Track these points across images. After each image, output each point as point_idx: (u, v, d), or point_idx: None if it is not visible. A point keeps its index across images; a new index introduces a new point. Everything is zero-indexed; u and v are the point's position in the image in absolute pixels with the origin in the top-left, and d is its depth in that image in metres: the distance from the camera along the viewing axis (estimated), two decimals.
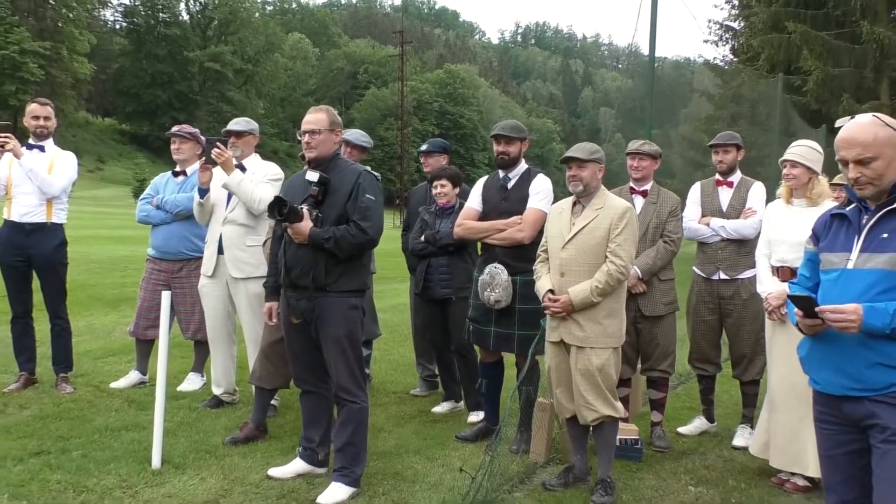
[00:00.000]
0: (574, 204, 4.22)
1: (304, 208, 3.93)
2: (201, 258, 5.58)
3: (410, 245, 5.56)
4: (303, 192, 4.02)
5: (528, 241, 4.66)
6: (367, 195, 3.94)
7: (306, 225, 3.89)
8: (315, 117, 4.04)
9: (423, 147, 6.04)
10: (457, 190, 5.49)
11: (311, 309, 3.95)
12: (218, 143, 5.15)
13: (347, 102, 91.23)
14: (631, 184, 5.17)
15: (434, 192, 5.50)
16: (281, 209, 3.85)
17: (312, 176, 3.98)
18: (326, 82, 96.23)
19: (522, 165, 4.90)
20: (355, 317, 3.99)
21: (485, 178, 5.09)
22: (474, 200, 4.95)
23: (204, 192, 5.33)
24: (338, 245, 3.87)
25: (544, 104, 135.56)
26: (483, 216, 4.88)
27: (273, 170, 5.41)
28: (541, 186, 4.78)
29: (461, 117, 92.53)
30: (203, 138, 5.72)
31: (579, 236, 4.09)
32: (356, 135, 6.00)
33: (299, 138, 4.08)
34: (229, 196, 5.32)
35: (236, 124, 5.46)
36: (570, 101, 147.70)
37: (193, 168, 5.87)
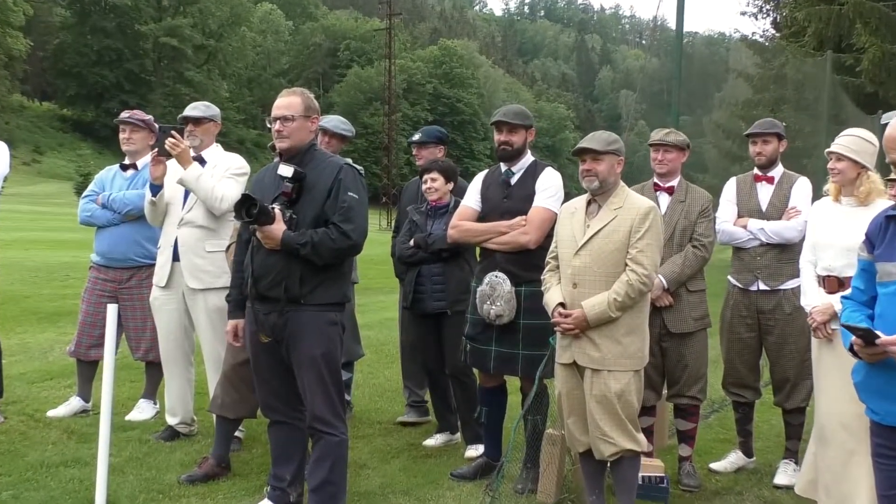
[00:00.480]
0: (589, 203, 4.25)
1: (276, 208, 3.96)
2: (153, 266, 5.60)
3: (398, 250, 5.60)
4: (274, 190, 4.04)
5: (534, 246, 4.69)
6: (350, 193, 3.97)
7: (278, 227, 3.92)
8: (287, 101, 4.08)
9: (415, 137, 6.09)
10: (450, 185, 5.53)
11: (283, 325, 3.97)
12: (173, 132, 5.17)
13: (326, 84, 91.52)
14: (655, 179, 5.20)
15: (423, 187, 5.54)
16: (249, 209, 3.86)
17: (285, 170, 4.00)
18: (301, 61, 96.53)
19: (528, 158, 4.93)
20: (334, 334, 4.01)
21: (484, 172, 5.12)
22: (472, 198, 4.98)
23: (157, 188, 5.34)
24: (315, 251, 3.89)
25: (555, 86, 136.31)
26: (482, 216, 4.90)
27: (238, 163, 5.44)
28: (549, 182, 4.81)
29: (459, 101, 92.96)
30: (157, 126, 5.73)
31: (595, 241, 4.12)
32: (336, 122, 6.03)
33: (269, 126, 4.11)
34: (186, 193, 5.34)
35: (195, 109, 5.48)
36: (585, 83, 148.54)
37: (145, 161, 5.88)
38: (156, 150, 5.26)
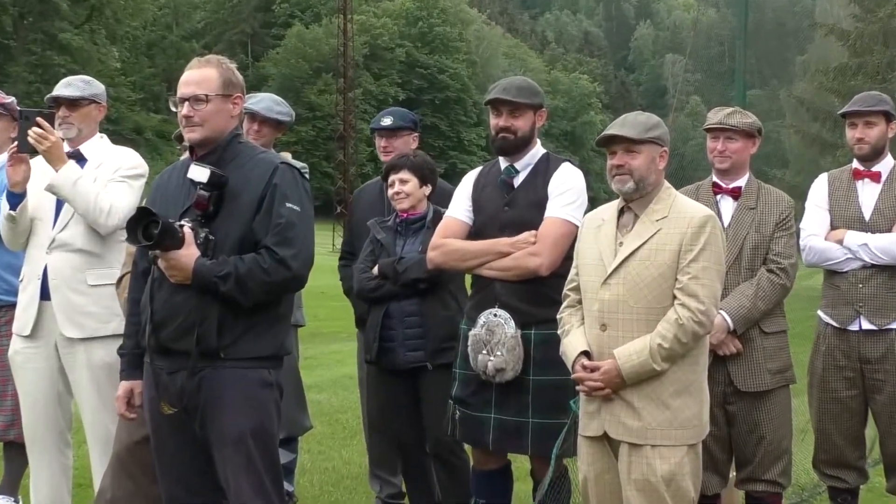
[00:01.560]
0: (622, 212, 4.29)
1: (186, 226, 3.97)
2: (12, 307, 5.57)
3: (357, 282, 5.59)
4: (182, 200, 4.06)
5: (546, 272, 4.72)
6: (288, 203, 4.02)
7: (188, 254, 3.93)
8: (200, 75, 4.11)
9: (384, 121, 6.15)
10: (427, 189, 5.55)
11: (195, 390, 3.97)
12: (39, 119, 5.11)
13: (256, 50, 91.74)
14: (714, 177, 5.24)
15: (389, 192, 5.55)
16: (147, 228, 3.87)
17: (198, 173, 4.02)
18: (222, 17, 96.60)
19: (538, 150, 4.97)
20: (268, 400, 4.02)
21: (477, 170, 5.16)
22: (460, 207, 5.01)
23: (17, 198, 5.30)
24: (240, 286, 3.92)
25: (575, 50, 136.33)
26: (475, 232, 4.93)
27: (132, 161, 5.44)
28: (568, 183, 4.84)
29: (441, 72, 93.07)
30: (18, 110, 5.70)
31: (631, 264, 4.15)
32: (269, 103, 6.07)
33: (174, 109, 4.13)
34: (60, 205, 5.31)
35: (70, 87, 5.46)
36: (616, 45, 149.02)
37: (0, 160, 5.85)
38: (15, 144, 5.23)
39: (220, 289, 3.91)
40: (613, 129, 4.23)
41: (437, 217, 5.25)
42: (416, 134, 6.18)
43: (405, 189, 5.47)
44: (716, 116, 5.25)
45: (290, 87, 77.58)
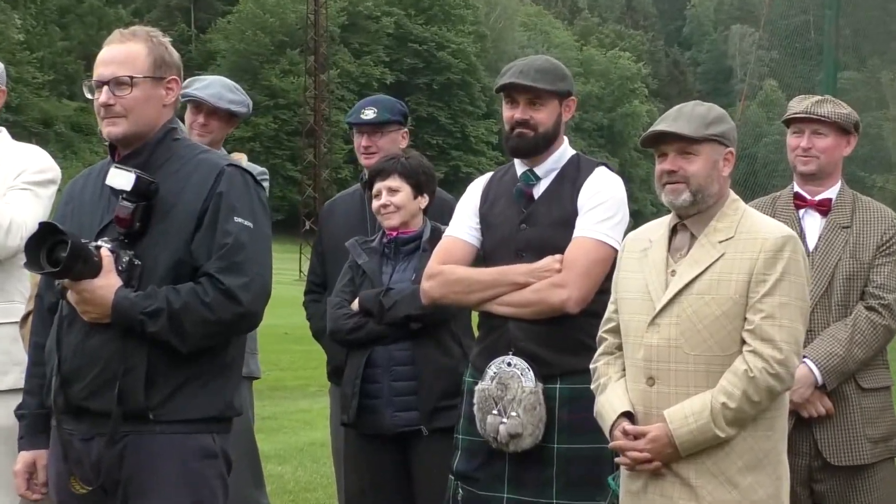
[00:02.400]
0: (674, 231, 4.28)
1: (104, 248, 3.96)
2: None
3: (331, 321, 5.57)
4: (100, 213, 4.07)
5: (575, 308, 4.70)
6: (237, 218, 4.01)
7: (107, 284, 3.90)
8: (124, 52, 4.09)
9: (366, 113, 6.13)
10: (424, 201, 5.54)
11: (117, 462, 3.95)
12: None
13: (201, 19, 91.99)
14: (796, 186, 5.27)
15: (374, 205, 5.53)
16: (52, 249, 3.87)
17: (120, 179, 4.01)
18: None
19: (564, 149, 4.98)
20: (210, 475, 4.02)
21: (485, 177, 5.16)
22: (464, 224, 5.02)
23: None
24: (175, 325, 3.90)
25: (614, 20, 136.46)
26: (483, 257, 4.94)
27: (38, 162, 5.46)
28: (603, 193, 4.83)
29: (441, 48, 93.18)
30: None
31: (686, 299, 4.12)
32: (218, 89, 6.09)
33: (90, 96, 4.14)
34: None
35: None
36: (668, 15, 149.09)
37: None
38: None
39: (148, 329, 3.89)
40: (664, 124, 4.21)
41: (436, 236, 5.24)
42: (406, 130, 6.20)
43: (395, 200, 5.44)
44: (800, 105, 5.23)
45: (244, 67, 77.69)
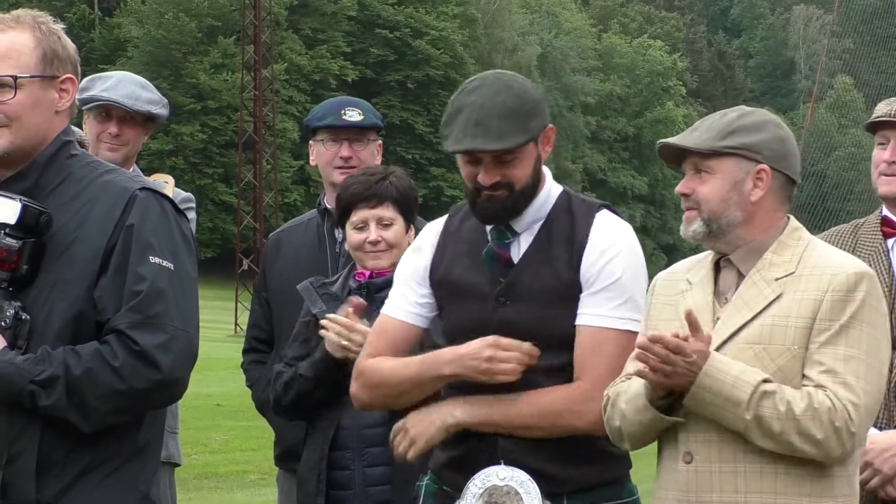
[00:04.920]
0: (719, 267, 3.95)
1: None
2: None
3: (277, 389, 5.14)
4: None
5: (600, 431, 4.04)
6: (154, 258, 3.77)
7: None
8: (2, 44, 3.84)
9: (347, 114, 5.87)
10: (412, 235, 4.97)
11: None
12: None
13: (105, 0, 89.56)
14: (885, 210, 5.05)
15: (355, 238, 5.06)
16: None
17: (2, 209, 3.74)
18: None
19: (548, 191, 4.29)
20: None
21: (437, 225, 4.51)
22: (404, 299, 4.40)
23: None
24: (75, 397, 3.66)
25: (643, 1, 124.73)
26: (447, 339, 4.32)
27: None
28: (616, 261, 4.18)
29: (418, 35, 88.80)
30: None
31: (731, 350, 3.77)
32: (131, 87, 5.94)
33: None
34: None
35: None
36: None
37: None
38: None
39: (40, 403, 3.65)
40: (682, 138, 4.02)
41: None
42: (377, 140, 6.02)
43: (387, 236, 5.00)
44: (889, 107, 5.04)
45: (163, 60, 76.19)
